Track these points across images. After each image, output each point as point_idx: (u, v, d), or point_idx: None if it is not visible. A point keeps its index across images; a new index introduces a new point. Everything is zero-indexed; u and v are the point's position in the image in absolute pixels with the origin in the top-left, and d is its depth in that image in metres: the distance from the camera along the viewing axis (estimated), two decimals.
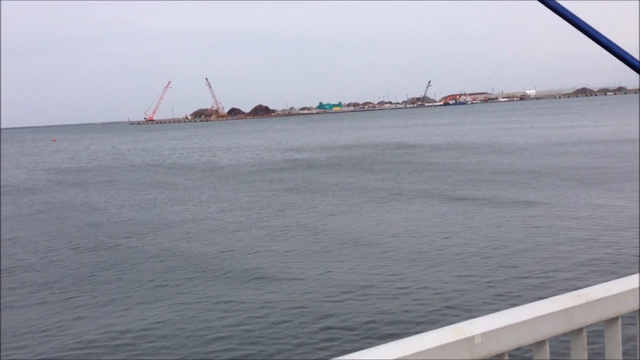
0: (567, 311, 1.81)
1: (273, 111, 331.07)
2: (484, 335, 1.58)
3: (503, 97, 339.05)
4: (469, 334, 1.56)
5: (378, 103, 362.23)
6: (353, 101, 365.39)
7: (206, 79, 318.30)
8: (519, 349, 1.65)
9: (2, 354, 9.53)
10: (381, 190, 25.26)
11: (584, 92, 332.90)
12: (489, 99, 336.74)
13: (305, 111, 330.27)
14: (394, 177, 29.62)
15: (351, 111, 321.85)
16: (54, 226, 20.95)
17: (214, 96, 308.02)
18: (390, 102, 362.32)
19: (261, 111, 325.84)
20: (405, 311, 10.32)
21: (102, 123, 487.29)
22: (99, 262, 15.23)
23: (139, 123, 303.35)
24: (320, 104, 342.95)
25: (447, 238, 15.62)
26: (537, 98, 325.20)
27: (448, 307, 10.38)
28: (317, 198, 24.13)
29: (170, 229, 19.24)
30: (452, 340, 1.54)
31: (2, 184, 37.63)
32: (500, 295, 10.90)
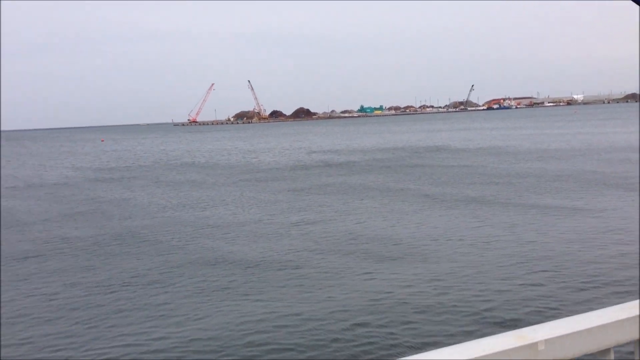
0: (635, 319, 1.75)
1: (314, 114, 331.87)
2: (547, 341, 1.55)
3: (549, 102, 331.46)
4: (533, 340, 1.53)
5: (420, 107, 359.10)
6: (394, 105, 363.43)
7: (249, 81, 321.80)
8: (582, 356, 1.63)
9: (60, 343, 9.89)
10: (421, 194, 25.08)
11: (634, 97, 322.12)
12: (534, 104, 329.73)
13: (347, 114, 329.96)
14: (434, 181, 29.35)
15: (392, 115, 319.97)
16: (99, 223, 21.56)
17: (256, 98, 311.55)
18: (432, 106, 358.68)
19: (302, 114, 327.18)
20: (449, 316, 10.25)
21: (147, 124, 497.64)
22: (148, 262, 15.62)
23: (183, 124, 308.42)
24: (362, 107, 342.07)
25: (487, 243, 15.41)
26: (584, 103, 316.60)
27: (491, 310, 10.27)
28: (357, 201, 24.13)
29: (212, 228, 19.57)
30: (515, 345, 1.52)
31: (51, 182, 38.93)
32: (547, 299, 10.72)
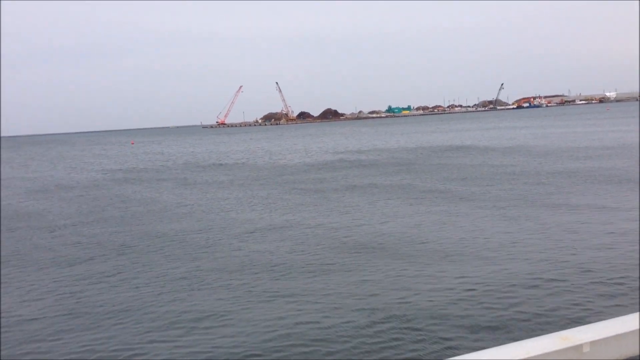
0: None
1: (342, 115, 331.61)
2: (593, 344, 1.50)
3: (580, 100, 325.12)
4: (577, 342, 1.49)
5: (448, 106, 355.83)
6: (422, 104, 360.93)
7: (276, 83, 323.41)
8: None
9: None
10: (448, 193, 24.88)
11: None
12: (565, 102, 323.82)
13: (374, 115, 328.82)
14: (462, 180, 29.08)
15: (420, 115, 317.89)
16: (128, 224, 21.92)
17: (283, 100, 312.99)
18: (460, 106, 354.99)
19: (330, 115, 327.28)
20: (479, 316, 10.16)
21: (177, 127, 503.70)
22: (176, 259, 15.84)
23: (211, 126, 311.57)
24: (389, 107, 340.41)
25: (515, 242, 15.22)
26: (617, 100, 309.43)
27: (518, 306, 10.14)
28: (382, 200, 24.06)
29: (240, 229, 19.73)
30: (559, 347, 1.48)
31: (82, 184, 39.73)
32: (581, 299, 10.54)
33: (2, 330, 10.55)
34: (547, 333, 1.51)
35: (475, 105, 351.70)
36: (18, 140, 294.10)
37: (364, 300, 11.24)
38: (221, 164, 51.05)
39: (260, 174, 39.28)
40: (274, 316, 10.65)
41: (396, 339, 9.31)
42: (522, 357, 1.40)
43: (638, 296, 10.58)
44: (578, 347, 1.49)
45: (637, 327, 1.57)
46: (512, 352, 1.41)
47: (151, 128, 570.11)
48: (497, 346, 1.41)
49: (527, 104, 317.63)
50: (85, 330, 10.61)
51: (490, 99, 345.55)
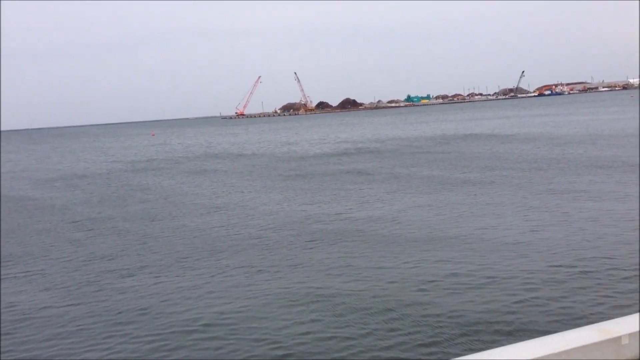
0: None
1: (360, 104, 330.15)
2: (632, 336, 1.47)
3: (603, 87, 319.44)
4: (616, 334, 1.46)
5: (468, 95, 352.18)
6: (442, 93, 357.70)
7: (295, 73, 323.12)
8: None
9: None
10: (467, 182, 24.69)
11: None
12: (588, 89, 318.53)
13: (393, 104, 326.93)
14: (481, 168, 28.83)
15: (440, 104, 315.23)
16: (148, 213, 22.14)
17: (302, 90, 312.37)
18: (480, 94, 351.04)
19: (349, 104, 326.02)
20: (500, 306, 10.09)
21: (196, 118, 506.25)
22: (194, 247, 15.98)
23: (231, 117, 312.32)
24: (408, 96, 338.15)
25: (534, 231, 15.06)
26: None
27: (542, 305, 10.05)
28: (402, 190, 23.97)
29: (257, 217, 19.82)
30: (597, 340, 1.45)
31: (106, 173, 40.18)
32: (609, 290, 10.41)
33: (2, 330, 10.63)
34: (585, 325, 1.49)
35: (495, 93, 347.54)
36: (42, 133, 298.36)
37: (380, 287, 11.22)
38: (240, 154, 51.24)
39: (278, 165, 39.35)
40: (288, 317, 10.69)
41: (422, 327, 9.29)
42: (562, 349, 1.39)
43: None
44: (617, 339, 1.47)
45: None
46: (552, 343, 1.40)
47: (171, 120, 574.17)
48: (535, 338, 1.40)
49: (548, 92, 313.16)
50: (101, 330, 10.76)
51: (510, 87, 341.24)
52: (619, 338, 1.43)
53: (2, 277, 14.15)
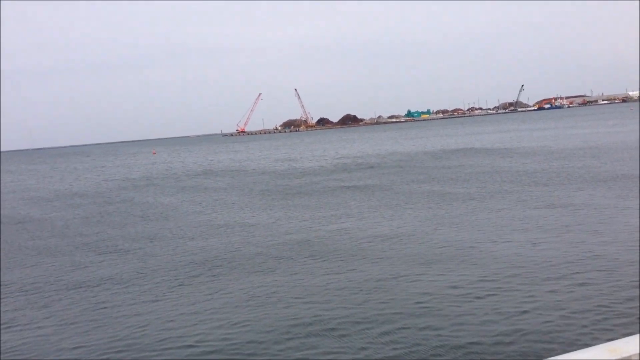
0: None
1: (361, 120, 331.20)
2: None
3: (603, 100, 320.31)
4: (626, 355, 1.41)
5: (468, 109, 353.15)
6: (442, 108, 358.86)
7: (295, 89, 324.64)
8: None
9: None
10: (467, 196, 24.67)
11: None
12: (587, 102, 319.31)
13: (394, 119, 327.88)
14: (481, 182, 28.82)
15: (440, 118, 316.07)
16: (148, 232, 22.12)
17: (302, 106, 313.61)
18: (480, 108, 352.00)
19: (349, 120, 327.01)
20: (501, 321, 10.03)
21: (197, 135, 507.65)
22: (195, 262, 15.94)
23: (231, 135, 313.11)
24: (409, 112, 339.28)
25: (535, 244, 15.02)
26: None
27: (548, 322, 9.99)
28: (402, 205, 23.95)
29: (258, 234, 19.78)
30: (607, 359, 1.41)
31: (106, 193, 40.18)
32: (615, 307, 10.35)
33: (3, 330, 10.62)
34: (592, 345, 1.45)
35: (495, 107, 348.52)
36: (43, 153, 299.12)
37: (382, 302, 11.17)
38: (240, 171, 51.30)
39: (279, 182, 39.37)
40: (291, 319, 10.64)
41: (419, 344, 9.23)
42: None
43: None
44: None
45: None
46: None
47: (172, 137, 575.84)
48: (546, 358, 1.38)
49: (548, 105, 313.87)
50: (101, 329, 10.71)
51: (510, 100, 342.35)
52: (629, 358, 1.38)
53: (2, 296, 14.11)
